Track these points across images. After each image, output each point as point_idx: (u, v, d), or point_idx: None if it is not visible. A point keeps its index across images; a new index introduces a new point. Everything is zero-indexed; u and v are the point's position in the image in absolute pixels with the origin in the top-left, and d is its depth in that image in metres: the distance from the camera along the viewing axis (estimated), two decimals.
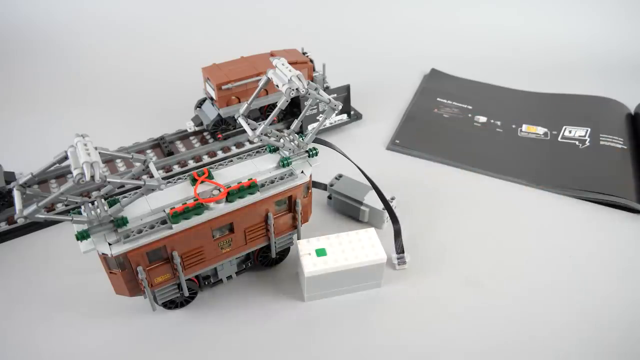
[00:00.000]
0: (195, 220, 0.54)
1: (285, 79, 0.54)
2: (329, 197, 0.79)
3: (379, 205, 0.73)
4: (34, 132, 0.99)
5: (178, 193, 0.56)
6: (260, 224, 0.61)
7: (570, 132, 0.98)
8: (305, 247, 0.63)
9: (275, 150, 0.63)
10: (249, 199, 0.57)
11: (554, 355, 0.59)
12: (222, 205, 0.55)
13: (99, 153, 0.47)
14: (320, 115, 0.88)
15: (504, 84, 1.17)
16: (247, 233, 0.61)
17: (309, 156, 0.63)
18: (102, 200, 0.52)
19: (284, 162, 0.61)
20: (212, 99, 0.88)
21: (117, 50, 1.30)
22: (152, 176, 0.52)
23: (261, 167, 0.60)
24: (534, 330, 0.62)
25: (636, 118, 1.01)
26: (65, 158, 0.47)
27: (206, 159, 0.88)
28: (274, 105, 0.91)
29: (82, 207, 0.52)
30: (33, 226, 0.75)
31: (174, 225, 0.53)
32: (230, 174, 0.59)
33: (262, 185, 0.58)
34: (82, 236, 0.50)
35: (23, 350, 0.59)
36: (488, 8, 1.42)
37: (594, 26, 1.35)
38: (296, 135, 0.61)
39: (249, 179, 0.58)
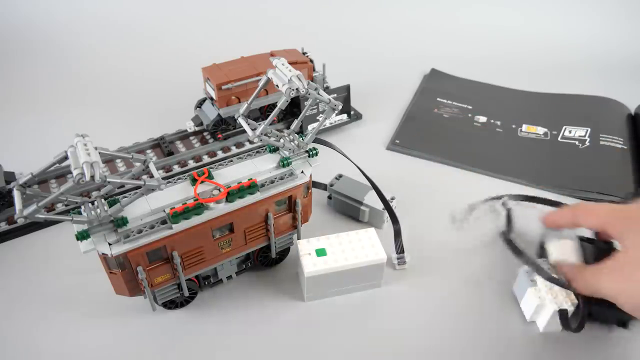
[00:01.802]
0: (195, 220, 0.54)
1: (285, 79, 0.54)
2: (329, 197, 0.79)
3: (379, 205, 0.73)
4: (34, 132, 0.99)
5: (178, 193, 0.56)
6: (260, 224, 0.61)
7: (570, 132, 0.98)
8: (305, 247, 0.63)
9: (275, 150, 0.63)
10: (249, 199, 0.57)
11: (553, 354, 0.59)
12: (222, 205, 0.55)
13: (99, 153, 0.47)
14: (320, 115, 0.88)
15: (504, 84, 1.17)
16: (247, 233, 0.61)
17: (309, 156, 0.63)
18: (102, 200, 0.52)
19: (284, 162, 0.61)
20: (212, 99, 0.88)
21: (117, 50, 1.30)
22: (152, 176, 0.52)
23: (261, 167, 0.60)
24: (534, 329, 0.62)
25: (636, 118, 1.01)
26: (65, 158, 0.47)
27: (206, 159, 0.88)
28: (274, 105, 0.91)
29: (82, 207, 0.52)
30: (33, 226, 0.75)
31: (174, 225, 0.53)
32: (230, 174, 0.59)
33: (262, 185, 0.58)
34: (82, 236, 0.50)
35: (23, 350, 0.59)
36: (488, 8, 1.42)
37: (594, 26, 1.35)
38: (296, 135, 0.61)
39: (249, 179, 0.58)
